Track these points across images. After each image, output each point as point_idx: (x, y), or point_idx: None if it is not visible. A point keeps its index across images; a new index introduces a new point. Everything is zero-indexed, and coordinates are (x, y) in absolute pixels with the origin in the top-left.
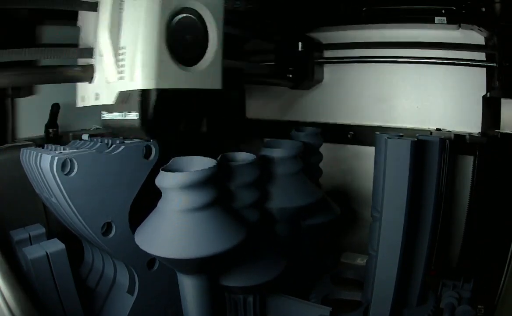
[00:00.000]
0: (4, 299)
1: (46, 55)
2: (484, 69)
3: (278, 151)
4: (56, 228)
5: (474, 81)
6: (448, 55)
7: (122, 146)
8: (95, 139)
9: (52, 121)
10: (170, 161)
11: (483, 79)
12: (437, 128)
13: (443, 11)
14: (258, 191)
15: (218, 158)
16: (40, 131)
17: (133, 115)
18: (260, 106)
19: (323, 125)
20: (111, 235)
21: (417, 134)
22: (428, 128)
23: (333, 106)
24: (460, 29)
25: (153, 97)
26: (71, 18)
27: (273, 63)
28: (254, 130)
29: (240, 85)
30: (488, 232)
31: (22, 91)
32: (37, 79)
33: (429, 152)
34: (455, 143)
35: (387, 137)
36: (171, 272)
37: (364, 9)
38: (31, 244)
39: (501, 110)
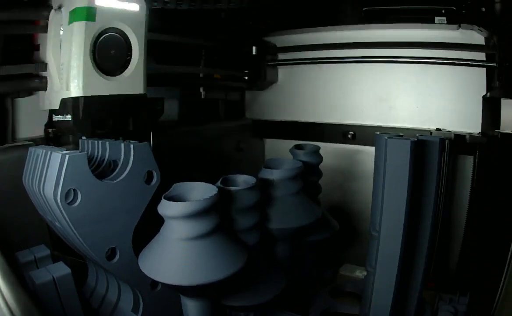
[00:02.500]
0: (4, 299)
1: (3, 71)
2: (484, 69)
3: (278, 173)
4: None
5: (474, 81)
6: (448, 55)
7: (124, 174)
8: (98, 142)
9: (51, 122)
10: (172, 187)
11: (483, 79)
12: (437, 128)
13: (443, 11)
14: (259, 213)
15: (219, 182)
16: (40, 131)
17: (69, 118)
18: (260, 107)
19: (323, 125)
20: (115, 260)
21: (417, 134)
22: (428, 128)
23: (333, 107)
24: (460, 29)
25: (82, 102)
26: None
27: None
28: (255, 130)
29: (197, 89)
30: (488, 234)
31: (22, 92)
32: (2, 89)
33: (429, 152)
34: (455, 143)
35: (387, 137)
36: (174, 292)
37: (364, 9)
38: (37, 267)
39: (501, 110)
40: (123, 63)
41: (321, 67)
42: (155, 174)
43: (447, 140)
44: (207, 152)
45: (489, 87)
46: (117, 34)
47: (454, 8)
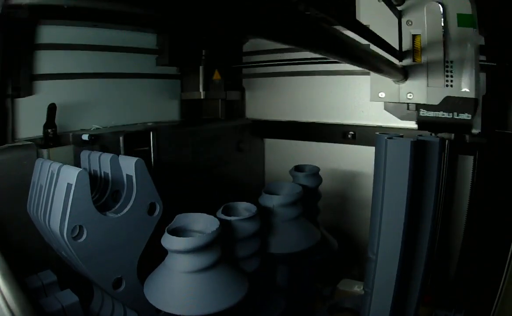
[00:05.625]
0: (4, 299)
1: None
2: (484, 69)
3: (278, 199)
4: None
5: None
6: None
7: (128, 207)
8: (99, 159)
9: (49, 122)
10: (175, 219)
11: (483, 79)
12: None
13: None
14: (260, 239)
15: (220, 210)
16: (39, 132)
17: (465, 116)
18: (260, 107)
19: (323, 125)
20: (121, 289)
21: (417, 135)
22: None
23: (333, 107)
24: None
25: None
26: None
27: None
28: (255, 130)
29: None
30: (487, 234)
31: (22, 91)
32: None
33: (429, 152)
34: (455, 143)
35: (387, 137)
36: None
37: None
38: (45, 293)
39: (501, 110)
40: None
41: (320, 67)
42: (157, 205)
43: (447, 140)
44: (207, 153)
45: (489, 87)
46: None
47: None
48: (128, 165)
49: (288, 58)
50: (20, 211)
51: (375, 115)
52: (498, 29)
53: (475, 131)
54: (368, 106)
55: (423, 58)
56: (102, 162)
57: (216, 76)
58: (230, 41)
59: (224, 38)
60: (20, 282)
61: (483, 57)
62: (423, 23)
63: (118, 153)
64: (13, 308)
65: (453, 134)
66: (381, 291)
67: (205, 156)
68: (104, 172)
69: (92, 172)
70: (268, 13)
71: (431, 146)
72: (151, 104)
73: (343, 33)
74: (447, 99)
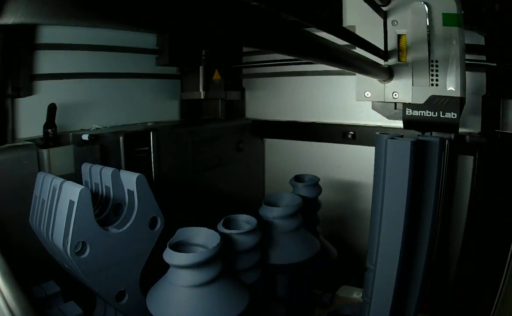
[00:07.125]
0: (4, 299)
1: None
2: (484, 69)
3: (278, 211)
4: None
5: (474, 82)
6: None
7: (130, 222)
8: (100, 172)
9: (49, 122)
10: (176, 233)
11: (483, 79)
12: None
13: None
14: (260, 251)
15: (221, 223)
16: (39, 132)
17: (451, 115)
18: (260, 107)
19: (323, 125)
20: (124, 301)
21: (417, 135)
22: None
23: (333, 107)
24: None
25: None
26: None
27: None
28: (255, 130)
29: None
30: (487, 234)
31: (22, 91)
32: (341, 62)
33: (429, 152)
34: (455, 143)
35: (387, 138)
36: None
37: None
38: (49, 305)
39: (501, 110)
40: None
41: (320, 67)
42: (159, 219)
43: (447, 140)
44: (207, 153)
45: (489, 87)
46: None
47: None
48: (129, 180)
49: (288, 58)
50: (20, 211)
51: (375, 115)
52: (498, 29)
53: (474, 131)
54: (368, 106)
55: (408, 58)
56: (103, 176)
57: (216, 76)
58: (230, 41)
59: (224, 38)
60: (20, 283)
61: (482, 57)
62: (408, 23)
63: (118, 153)
64: (13, 308)
65: (453, 134)
66: (379, 301)
67: (205, 156)
68: (105, 186)
69: (93, 185)
70: (249, 21)
71: (431, 146)
72: (151, 104)
73: (327, 39)
74: (432, 99)
